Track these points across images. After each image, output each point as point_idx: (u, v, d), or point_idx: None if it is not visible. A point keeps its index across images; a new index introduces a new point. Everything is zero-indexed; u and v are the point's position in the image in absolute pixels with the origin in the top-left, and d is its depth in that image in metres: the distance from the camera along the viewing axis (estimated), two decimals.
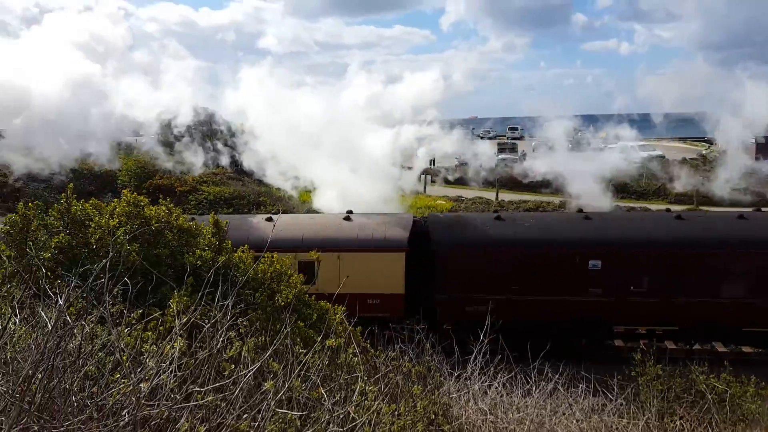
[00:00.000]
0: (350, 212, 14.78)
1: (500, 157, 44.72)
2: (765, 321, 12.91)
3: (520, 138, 73.41)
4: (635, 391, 6.15)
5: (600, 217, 14.87)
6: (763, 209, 15.94)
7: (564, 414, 4.82)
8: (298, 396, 4.61)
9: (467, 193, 32.90)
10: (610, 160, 39.98)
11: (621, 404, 5.53)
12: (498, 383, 5.72)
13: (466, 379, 6.00)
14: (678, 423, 4.65)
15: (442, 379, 5.93)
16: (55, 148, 22.67)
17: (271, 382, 4.50)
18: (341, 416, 4.52)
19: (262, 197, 24.51)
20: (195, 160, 26.96)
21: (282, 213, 16.38)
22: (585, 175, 23.83)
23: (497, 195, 31.69)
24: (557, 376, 5.78)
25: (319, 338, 5.71)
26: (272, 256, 7.37)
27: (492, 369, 5.87)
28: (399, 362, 5.99)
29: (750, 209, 16.17)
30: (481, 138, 77.09)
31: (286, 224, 13.89)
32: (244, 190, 25.46)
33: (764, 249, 12.74)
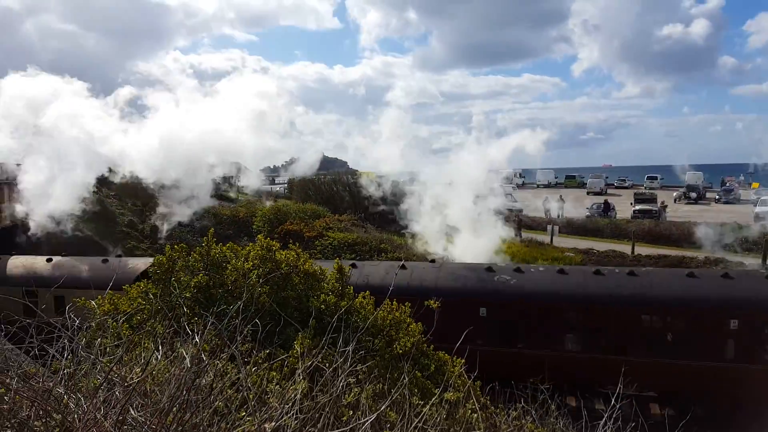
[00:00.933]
0: None
1: (637, 208, 42.16)
2: None
3: (659, 188, 68.92)
4: None
5: None
6: None
7: None
8: None
9: (599, 245, 31.02)
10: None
11: None
12: None
13: None
14: None
15: None
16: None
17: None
18: None
19: (383, 244, 25.13)
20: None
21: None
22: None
23: (633, 248, 29.44)
24: None
25: (438, 390, 5.62)
26: (392, 303, 7.45)
27: None
28: (521, 422, 5.67)
29: None
30: (616, 187, 73.76)
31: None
32: (366, 237, 26.33)
33: None
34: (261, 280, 6.87)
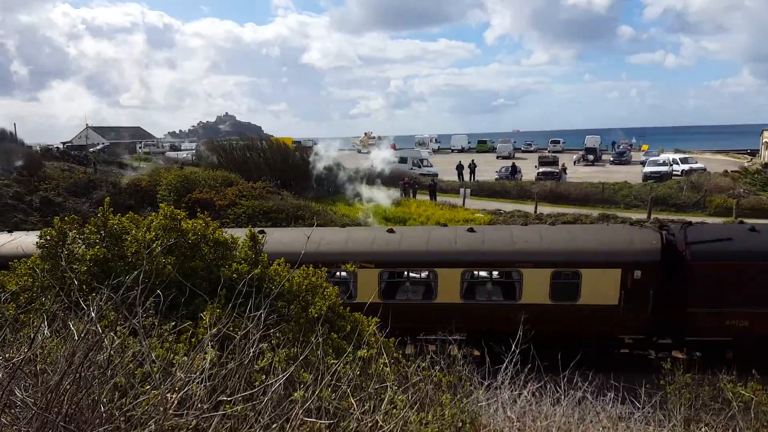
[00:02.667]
0: None
1: (541, 170, 44.60)
2: None
3: (562, 151, 73.09)
4: (663, 400, 6.00)
5: None
6: None
7: (591, 422, 4.70)
8: (328, 405, 4.66)
9: (506, 206, 32.62)
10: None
11: (648, 412, 5.39)
12: (527, 392, 5.64)
13: (496, 388, 5.95)
14: (703, 430, 4.47)
15: (472, 388, 5.88)
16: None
17: (300, 392, 4.57)
18: (369, 424, 4.54)
19: (300, 211, 24.88)
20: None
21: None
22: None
23: (536, 208, 31.25)
24: (586, 385, 5.67)
25: (351, 349, 5.76)
26: (307, 268, 7.45)
27: (522, 379, 5.81)
28: (430, 372, 5.98)
29: None
30: (523, 151, 77.55)
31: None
32: (282, 204, 25.89)
33: None
34: (164, 250, 6.63)
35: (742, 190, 33.80)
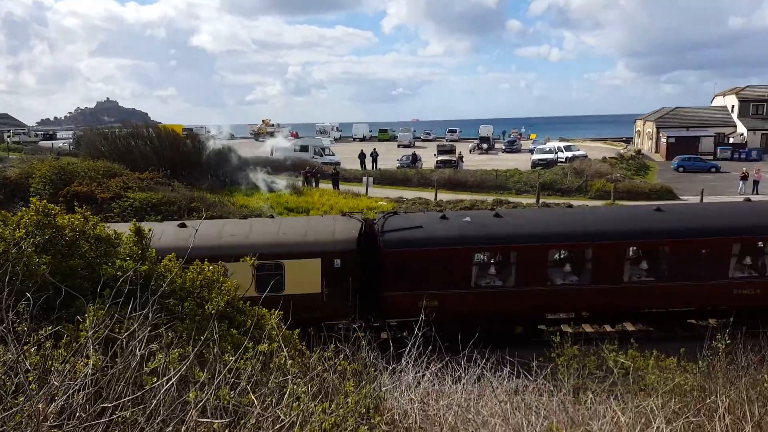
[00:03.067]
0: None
1: (439, 158, 46.01)
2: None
3: (458, 140, 75.99)
4: (554, 371, 6.44)
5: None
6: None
7: (488, 397, 4.91)
8: (226, 404, 4.48)
9: (408, 194, 33.30)
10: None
11: (541, 384, 5.75)
12: (430, 373, 5.78)
13: (400, 371, 6.03)
14: (590, 397, 4.86)
15: (376, 374, 5.92)
16: None
17: (194, 391, 4.36)
18: (271, 419, 4.42)
19: (195, 203, 23.64)
20: None
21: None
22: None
23: (436, 195, 32.21)
24: (484, 362, 5.92)
25: (251, 344, 5.55)
26: (201, 264, 7.12)
27: (425, 360, 5.94)
28: (334, 361, 5.92)
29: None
30: (422, 140, 79.60)
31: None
32: (174, 196, 24.43)
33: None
34: (38, 249, 6.00)
35: (618, 175, 37.12)
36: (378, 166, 45.00)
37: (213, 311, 6.67)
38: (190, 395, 4.24)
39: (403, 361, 6.06)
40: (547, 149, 49.97)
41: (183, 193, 25.18)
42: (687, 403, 4.25)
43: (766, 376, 4.85)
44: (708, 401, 4.11)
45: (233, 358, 5.04)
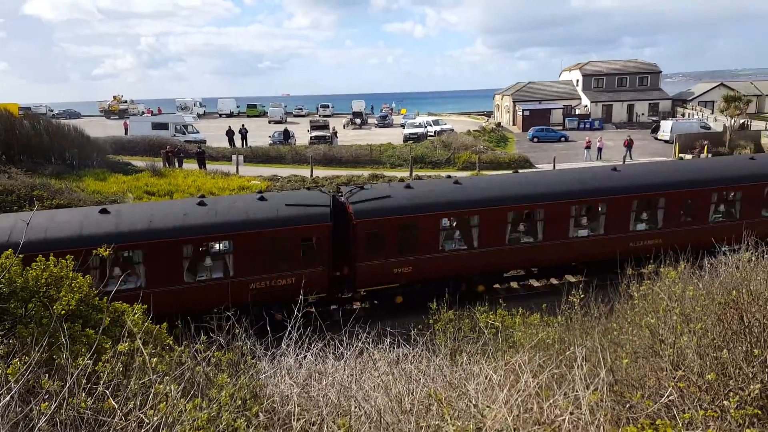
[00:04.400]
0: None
1: (313, 134, 45.41)
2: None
3: (331, 115, 75.58)
4: (432, 337, 6.67)
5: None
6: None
7: (370, 370, 4.93)
8: (82, 412, 4.02)
9: (282, 171, 32.52)
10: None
11: (420, 351, 5.92)
12: (311, 354, 5.66)
13: (281, 356, 5.84)
14: (465, 357, 5.09)
15: (255, 361, 5.67)
16: None
17: (45, 404, 3.88)
18: (135, 423, 4.04)
19: (37, 191, 20.93)
20: None
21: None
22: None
23: (312, 171, 31.83)
24: (365, 335, 5.92)
25: (109, 344, 5.05)
26: (47, 259, 6.30)
27: (306, 341, 5.81)
28: (205, 354, 5.57)
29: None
30: (294, 115, 77.98)
31: None
32: (12, 184, 21.44)
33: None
34: None
35: (482, 147, 39.42)
36: (248, 144, 43.36)
37: (63, 311, 5.97)
38: (41, 407, 3.78)
39: (283, 344, 5.87)
40: (417, 124, 51.57)
41: (22, 181, 22.18)
42: (550, 356, 4.58)
43: (614, 324, 5.42)
44: (567, 353, 4.46)
45: (90, 362, 4.55)
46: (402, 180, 23.57)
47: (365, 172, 31.53)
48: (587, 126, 55.26)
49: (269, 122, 66.58)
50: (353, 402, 4.19)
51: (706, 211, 16.05)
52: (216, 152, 38.43)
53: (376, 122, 65.55)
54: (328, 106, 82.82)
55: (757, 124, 47.23)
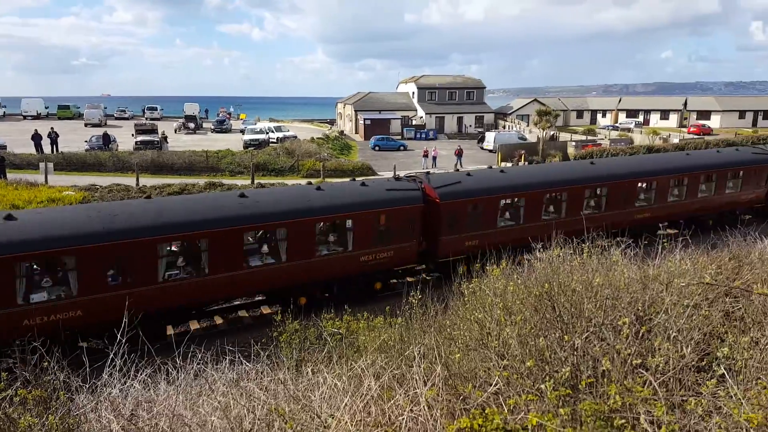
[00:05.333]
0: None
1: (139, 139, 41.73)
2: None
3: (160, 119, 70.29)
4: (277, 350, 6.46)
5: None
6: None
7: (207, 393, 4.59)
8: None
9: (102, 180, 29.35)
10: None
11: (264, 366, 5.69)
12: (138, 382, 5.11)
13: (103, 386, 5.17)
14: (311, 367, 5.02)
15: (69, 396, 4.95)
16: None
17: None
18: None
19: None
20: None
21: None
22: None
23: (137, 180, 29.21)
24: (200, 355, 5.52)
25: None
26: None
27: (133, 368, 5.22)
28: (6, 393, 4.72)
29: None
30: (116, 118, 70.96)
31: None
32: None
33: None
34: None
35: (326, 154, 39.68)
36: (59, 149, 38.44)
37: None
38: None
39: (104, 374, 5.18)
40: (258, 130, 50.30)
41: None
42: (391, 357, 4.69)
43: (448, 321, 5.75)
44: (407, 352, 4.60)
45: None
46: (243, 187, 22.74)
47: (201, 181, 29.83)
48: (424, 136, 58.83)
49: (86, 125, 59.75)
50: (187, 430, 3.85)
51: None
52: (20, 159, 33.48)
53: (213, 127, 62.50)
54: (156, 109, 76.98)
55: (564, 136, 54.42)
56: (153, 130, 45.57)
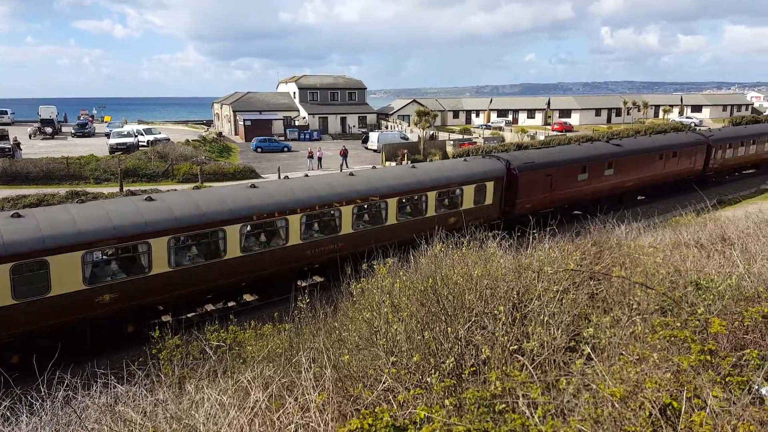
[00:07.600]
0: None
1: None
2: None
3: (11, 123, 63.19)
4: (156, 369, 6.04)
5: None
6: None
7: (76, 425, 4.17)
8: None
9: None
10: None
11: (142, 386, 5.29)
12: None
13: None
14: (194, 384, 4.76)
15: None
16: None
17: None
18: None
19: None
20: None
21: None
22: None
23: None
24: (68, 381, 5.00)
25: None
26: None
27: None
28: None
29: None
30: None
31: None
32: None
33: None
34: None
35: (204, 157, 37.84)
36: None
37: None
38: None
39: None
40: (126, 132, 46.74)
41: None
42: (279, 365, 4.57)
43: (337, 323, 5.73)
44: (294, 360, 4.52)
45: None
46: (109, 195, 20.97)
47: (62, 190, 27.15)
48: (308, 137, 58.30)
49: None
50: None
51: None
52: None
53: (73, 131, 56.96)
54: (6, 113, 68.84)
55: (443, 135, 56.77)
56: (3, 136, 40.70)
